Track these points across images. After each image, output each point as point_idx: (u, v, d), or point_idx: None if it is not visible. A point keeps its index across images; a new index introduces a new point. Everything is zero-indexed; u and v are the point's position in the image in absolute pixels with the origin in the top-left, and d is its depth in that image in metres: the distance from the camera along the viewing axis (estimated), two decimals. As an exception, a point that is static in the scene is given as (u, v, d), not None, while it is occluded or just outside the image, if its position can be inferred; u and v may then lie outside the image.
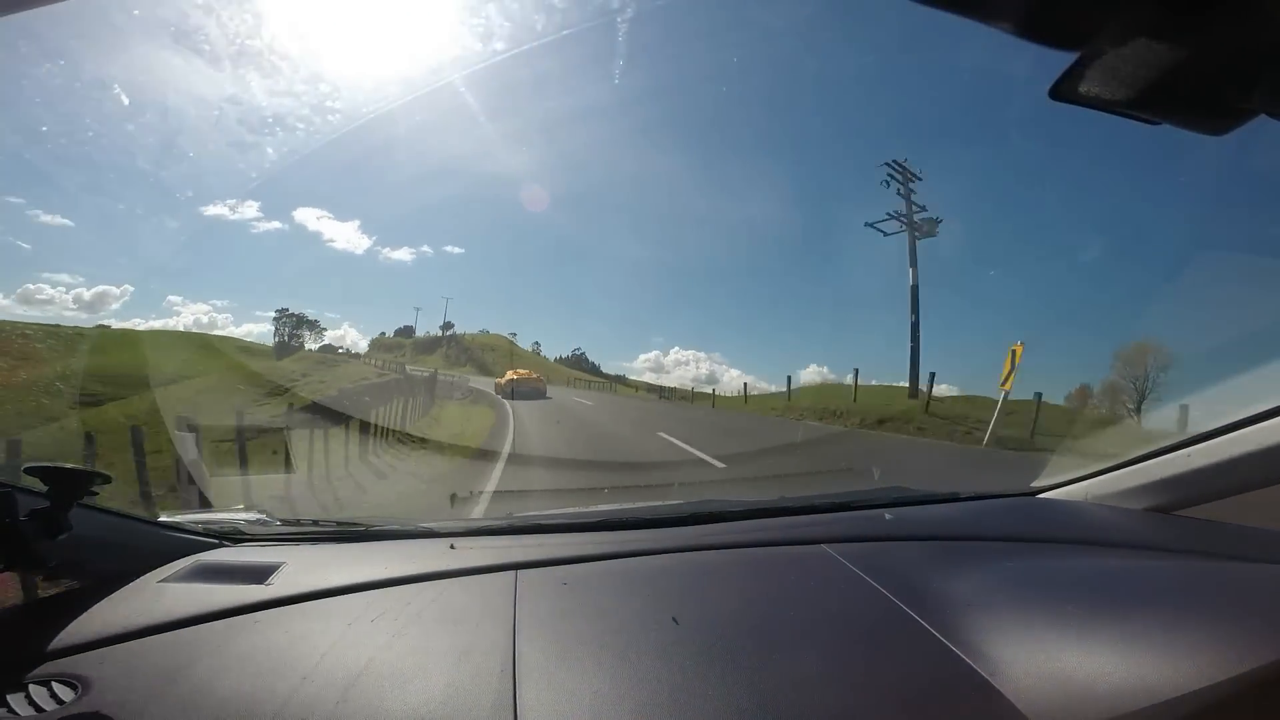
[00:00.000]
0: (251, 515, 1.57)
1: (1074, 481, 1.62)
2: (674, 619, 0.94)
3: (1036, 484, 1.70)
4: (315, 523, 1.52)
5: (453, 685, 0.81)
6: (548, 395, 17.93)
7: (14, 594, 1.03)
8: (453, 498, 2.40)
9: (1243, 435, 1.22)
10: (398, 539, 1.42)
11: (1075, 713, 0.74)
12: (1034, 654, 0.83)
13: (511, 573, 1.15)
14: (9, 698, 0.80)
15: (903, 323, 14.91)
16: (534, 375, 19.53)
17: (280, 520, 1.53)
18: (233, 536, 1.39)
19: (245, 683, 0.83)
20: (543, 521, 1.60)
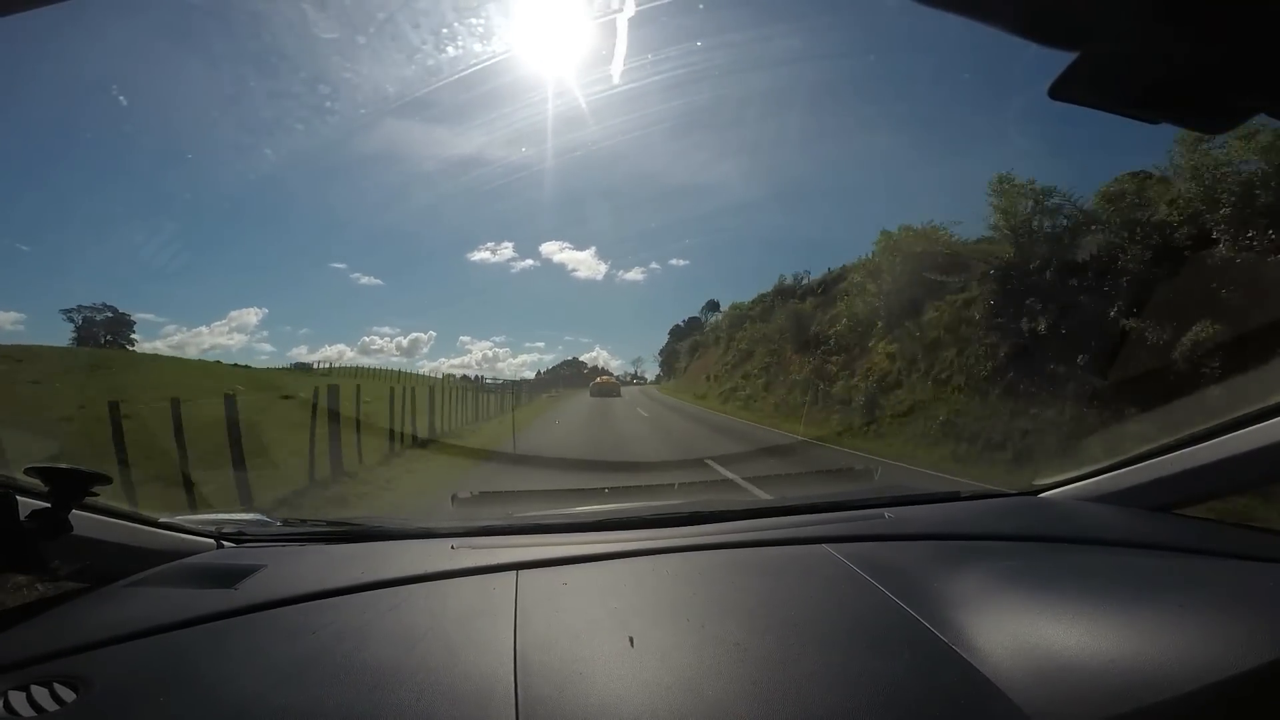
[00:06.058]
0: (250, 516, 1.58)
1: (1074, 481, 1.61)
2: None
3: (1037, 483, 1.70)
4: (314, 523, 1.52)
5: (455, 686, 0.81)
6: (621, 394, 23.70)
7: (14, 594, 1.03)
8: (453, 498, 2.39)
9: (1243, 434, 1.22)
10: (397, 539, 1.42)
11: (1076, 711, 0.74)
12: (1034, 653, 0.83)
13: (512, 573, 1.15)
14: (12, 698, 0.80)
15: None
16: (612, 381, 27.33)
17: (280, 521, 1.53)
18: (232, 537, 1.39)
19: (245, 683, 0.83)
20: (543, 522, 1.60)
